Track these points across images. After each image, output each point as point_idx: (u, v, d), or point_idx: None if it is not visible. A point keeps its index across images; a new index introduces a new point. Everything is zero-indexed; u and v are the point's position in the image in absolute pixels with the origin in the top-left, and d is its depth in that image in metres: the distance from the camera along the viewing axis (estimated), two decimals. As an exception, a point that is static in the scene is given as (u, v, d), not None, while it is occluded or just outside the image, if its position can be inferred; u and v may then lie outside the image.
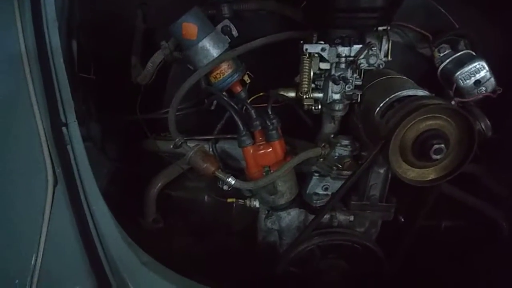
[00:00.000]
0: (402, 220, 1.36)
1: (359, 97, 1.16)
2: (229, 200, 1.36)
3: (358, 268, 1.28)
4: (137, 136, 1.46)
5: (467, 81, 1.19)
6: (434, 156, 0.96)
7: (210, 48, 1.16)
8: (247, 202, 1.33)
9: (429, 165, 1.02)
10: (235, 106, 1.18)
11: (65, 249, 1.00)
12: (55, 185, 1.01)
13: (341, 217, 1.28)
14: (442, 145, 0.95)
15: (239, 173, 1.28)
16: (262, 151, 1.18)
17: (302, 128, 1.33)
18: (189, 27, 1.13)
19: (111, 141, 1.43)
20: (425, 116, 0.96)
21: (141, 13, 1.40)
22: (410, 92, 1.06)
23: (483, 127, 1.14)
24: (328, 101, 1.18)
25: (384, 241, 1.36)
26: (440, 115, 0.97)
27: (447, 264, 1.36)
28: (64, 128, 1.03)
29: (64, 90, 1.04)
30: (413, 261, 1.32)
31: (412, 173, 1.04)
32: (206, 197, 1.42)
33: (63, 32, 1.12)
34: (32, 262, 0.97)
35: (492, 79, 1.19)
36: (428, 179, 1.05)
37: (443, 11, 1.24)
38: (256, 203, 1.32)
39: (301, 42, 1.14)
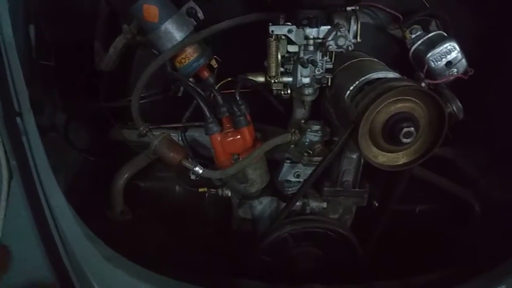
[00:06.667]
0: (376, 205, 1.35)
1: (329, 80, 1.13)
2: (200, 189, 1.32)
3: (332, 255, 1.26)
4: (106, 125, 1.41)
5: (439, 62, 1.17)
6: (404, 140, 0.94)
7: (174, 31, 1.11)
8: (219, 191, 1.30)
9: (400, 149, 1.00)
10: (201, 92, 1.14)
11: (22, 245, 0.96)
12: (10, 179, 0.96)
13: (314, 204, 1.26)
14: (412, 128, 0.93)
15: (211, 162, 1.24)
16: (230, 138, 1.14)
17: (275, 114, 1.29)
18: (150, 9, 1.08)
19: (78, 130, 1.37)
20: (395, 98, 0.94)
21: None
22: (380, 74, 1.03)
23: (455, 109, 1.12)
24: (298, 85, 1.14)
25: (361, 226, 1.35)
26: (409, 98, 0.94)
27: (421, 247, 1.36)
28: (18, 118, 0.98)
29: (17, 78, 0.97)
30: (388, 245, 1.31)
31: (383, 158, 1.02)
32: (177, 187, 1.39)
33: (19, 17, 1.05)
34: (-12, 260, 0.93)
35: (464, 60, 1.17)
36: (399, 163, 1.03)
37: (414, -10, 1.21)
38: (228, 192, 1.29)
39: (270, 24, 1.10)
